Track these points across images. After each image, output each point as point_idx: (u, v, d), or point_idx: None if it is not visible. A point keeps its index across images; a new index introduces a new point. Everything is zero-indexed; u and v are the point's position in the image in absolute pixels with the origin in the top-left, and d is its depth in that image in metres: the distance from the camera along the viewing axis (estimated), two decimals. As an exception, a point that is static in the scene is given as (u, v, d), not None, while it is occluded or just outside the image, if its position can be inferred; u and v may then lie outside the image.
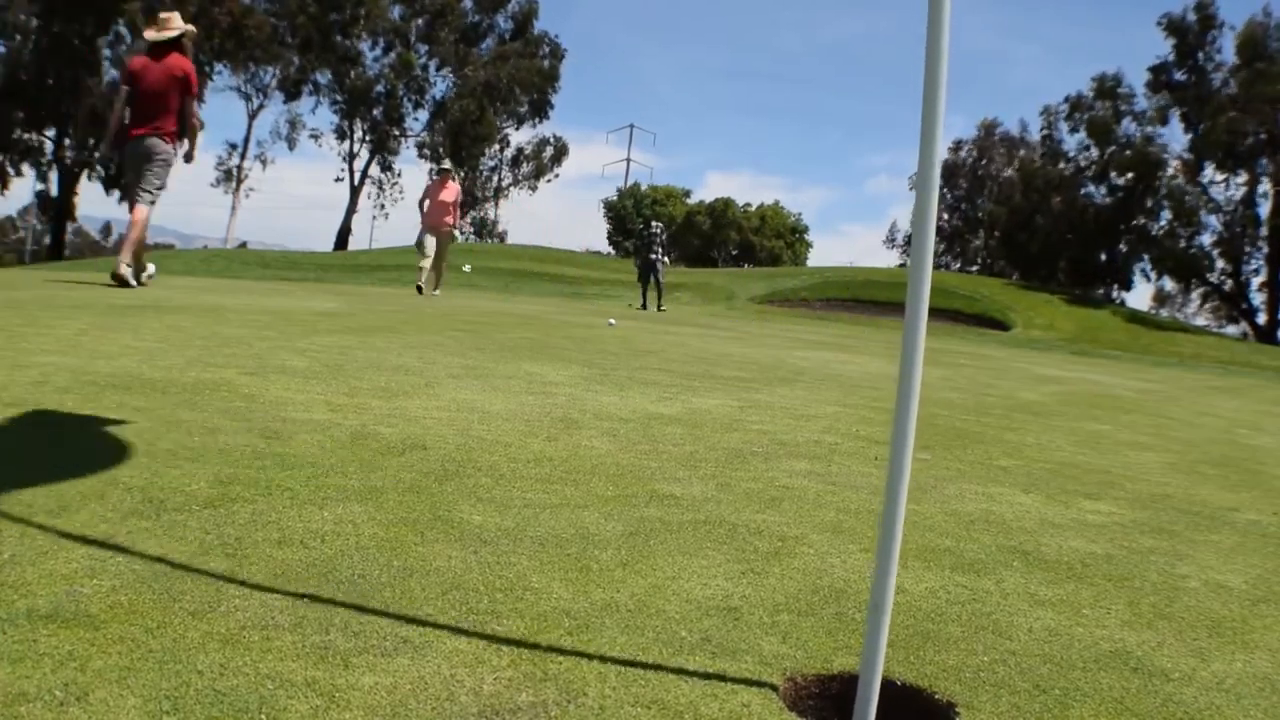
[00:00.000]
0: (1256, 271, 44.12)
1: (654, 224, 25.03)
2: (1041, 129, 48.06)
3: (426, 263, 16.13)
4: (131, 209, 10.24)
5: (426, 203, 16.45)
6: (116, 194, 46.25)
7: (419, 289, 15.98)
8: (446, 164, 18.33)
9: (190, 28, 10.31)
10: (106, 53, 44.90)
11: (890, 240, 63.25)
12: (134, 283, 10.34)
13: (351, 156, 56.52)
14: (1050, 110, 47.53)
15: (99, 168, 45.75)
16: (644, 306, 22.91)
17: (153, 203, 10.14)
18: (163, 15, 10.29)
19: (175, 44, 10.09)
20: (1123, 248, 46.32)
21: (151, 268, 11.13)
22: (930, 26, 1.79)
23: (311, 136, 56.08)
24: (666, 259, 24.33)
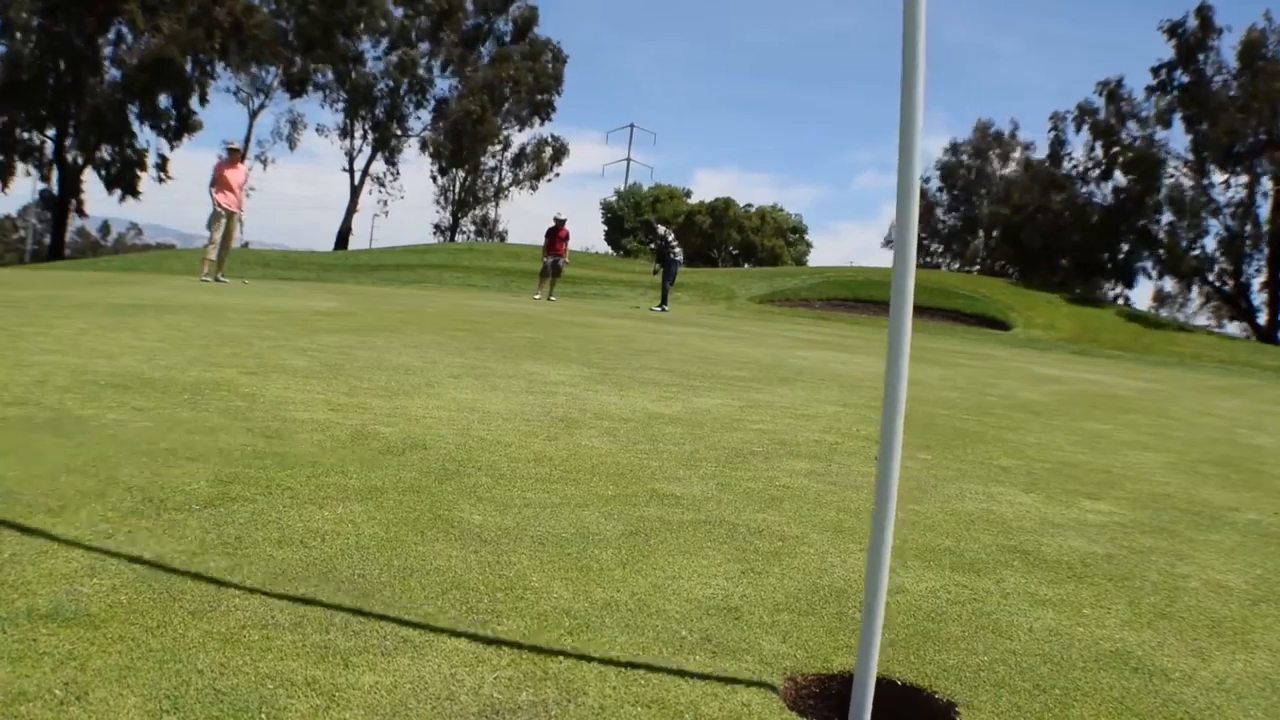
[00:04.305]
0: (1258, 271, 44.18)
1: (659, 227, 25.21)
2: (1050, 129, 48.37)
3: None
4: None
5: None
6: (118, 193, 46.32)
7: (536, 298, 21.08)
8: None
9: None
10: (107, 51, 44.95)
11: (889, 242, 63.35)
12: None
13: (353, 155, 56.61)
14: (1058, 115, 47.88)
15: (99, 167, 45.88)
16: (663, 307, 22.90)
17: None
18: None
19: None
20: (1124, 247, 46.35)
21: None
22: (906, 25, 1.77)
23: (316, 130, 56.22)
24: (681, 260, 24.33)
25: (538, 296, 21.36)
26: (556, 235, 22.17)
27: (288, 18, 49.95)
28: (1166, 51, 42.92)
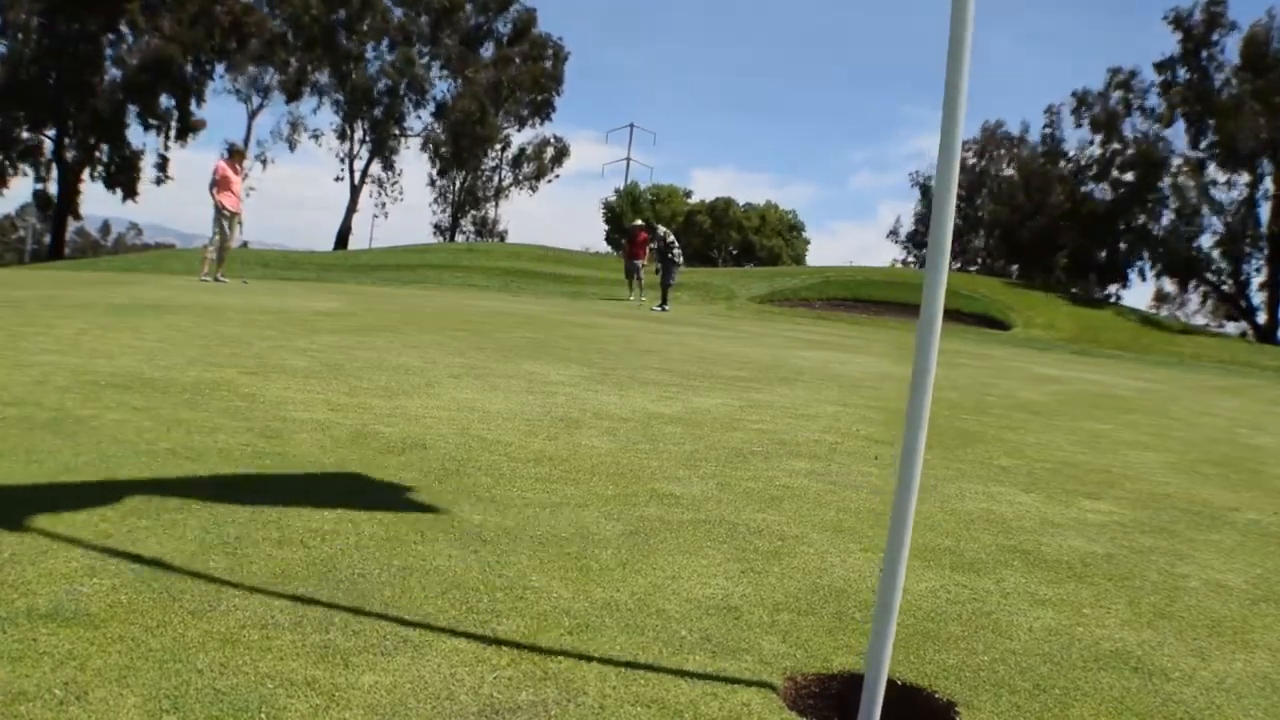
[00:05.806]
0: (1257, 270, 44.15)
1: (660, 227, 25.39)
2: (1044, 126, 48.29)
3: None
4: None
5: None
6: (118, 192, 46.29)
7: (630, 299, 23.10)
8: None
9: None
10: (109, 51, 44.90)
11: (893, 235, 63.11)
12: None
13: (352, 156, 56.50)
14: (1053, 109, 47.82)
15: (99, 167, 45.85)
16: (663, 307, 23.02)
17: None
18: None
19: None
20: (1122, 245, 46.33)
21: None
22: (953, 37, 1.77)
23: (312, 137, 55.97)
24: (681, 261, 24.50)
25: (630, 298, 23.22)
26: (635, 240, 23.59)
27: (286, 18, 49.89)
28: (1169, 48, 42.90)
